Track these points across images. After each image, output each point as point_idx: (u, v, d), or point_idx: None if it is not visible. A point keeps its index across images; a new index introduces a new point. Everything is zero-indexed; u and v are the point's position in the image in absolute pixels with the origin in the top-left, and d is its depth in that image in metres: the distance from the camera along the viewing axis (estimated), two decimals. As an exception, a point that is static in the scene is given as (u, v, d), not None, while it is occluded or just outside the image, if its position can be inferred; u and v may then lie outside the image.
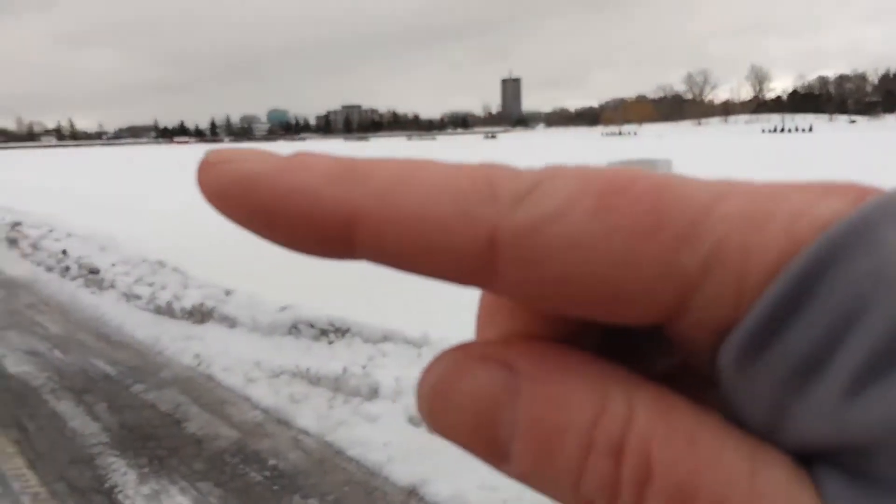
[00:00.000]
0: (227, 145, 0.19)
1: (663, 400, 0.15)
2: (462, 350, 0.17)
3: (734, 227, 0.14)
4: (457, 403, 0.16)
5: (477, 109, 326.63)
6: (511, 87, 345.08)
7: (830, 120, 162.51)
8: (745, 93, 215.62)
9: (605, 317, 0.15)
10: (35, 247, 12.97)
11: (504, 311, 0.19)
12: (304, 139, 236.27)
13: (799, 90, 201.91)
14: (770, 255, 0.14)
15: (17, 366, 7.18)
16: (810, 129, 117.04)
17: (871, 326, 0.13)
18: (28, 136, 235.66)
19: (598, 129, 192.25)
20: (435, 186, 0.15)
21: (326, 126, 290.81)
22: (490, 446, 0.16)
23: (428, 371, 0.17)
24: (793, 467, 0.14)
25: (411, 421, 5.39)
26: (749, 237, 0.14)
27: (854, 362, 0.13)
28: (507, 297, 0.16)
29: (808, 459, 0.14)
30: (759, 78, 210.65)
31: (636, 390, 0.15)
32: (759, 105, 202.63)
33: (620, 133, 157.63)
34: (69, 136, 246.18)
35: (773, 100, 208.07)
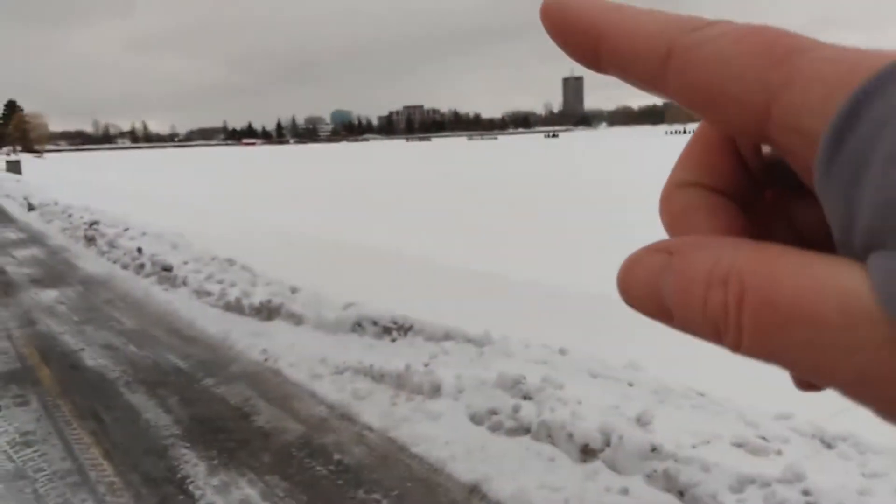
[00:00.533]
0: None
1: (759, 249, 0.21)
2: (642, 248, 0.24)
3: (818, 66, 0.20)
4: (636, 279, 0.23)
5: (538, 108, 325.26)
6: (573, 86, 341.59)
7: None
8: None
9: (724, 118, 0.22)
10: (111, 245, 13.46)
11: (680, 195, 0.27)
12: (367, 139, 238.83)
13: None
14: (841, 81, 0.19)
15: (94, 359, 7.47)
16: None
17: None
18: (104, 139, 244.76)
19: (663, 128, 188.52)
20: (650, 16, 0.23)
21: (389, 126, 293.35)
22: (658, 306, 0.23)
23: (623, 263, 0.24)
24: (855, 265, 0.19)
25: (473, 419, 5.40)
26: (827, 67, 0.20)
27: (884, 153, 0.18)
28: (670, 97, 0.23)
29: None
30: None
31: (742, 247, 0.21)
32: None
33: (685, 131, 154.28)
34: (142, 138, 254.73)
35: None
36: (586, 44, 0.24)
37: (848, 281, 0.19)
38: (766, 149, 0.26)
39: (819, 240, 0.25)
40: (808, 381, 0.22)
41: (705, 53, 0.22)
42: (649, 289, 0.23)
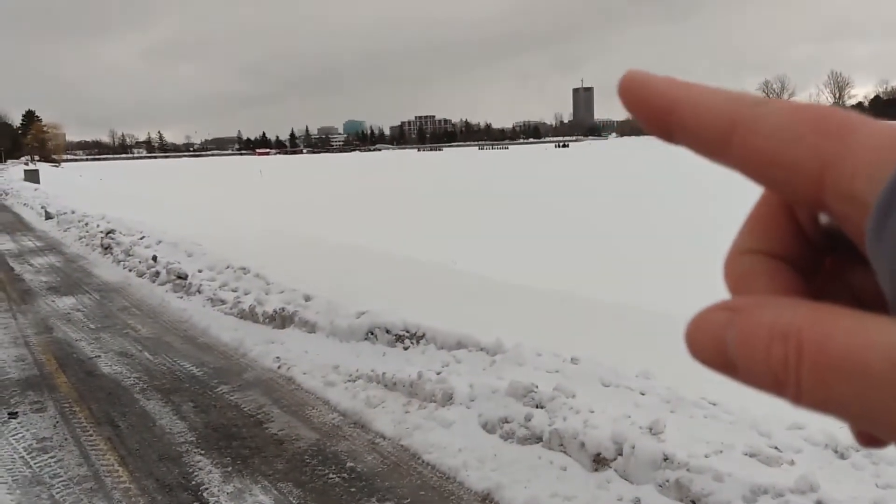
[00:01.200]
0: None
1: (816, 308, 0.23)
2: (708, 307, 0.26)
3: (869, 138, 0.23)
4: (703, 334, 0.25)
5: (549, 119, 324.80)
6: (583, 97, 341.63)
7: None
8: (825, 99, 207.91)
9: (783, 185, 0.25)
10: (127, 253, 13.58)
11: (742, 259, 0.29)
12: (379, 149, 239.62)
13: (882, 96, 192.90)
14: (892, 151, 0.22)
15: (109, 366, 7.55)
16: None
17: None
18: (120, 148, 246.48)
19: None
20: (715, 92, 0.26)
21: (401, 136, 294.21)
22: (723, 360, 0.24)
23: (690, 320, 0.26)
24: None
25: (485, 427, 5.42)
26: (878, 139, 0.22)
27: None
28: (733, 165, 0.26)
29: None
30: (839, 84, 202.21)
31: (800, 306, 0.23)
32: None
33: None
34: (158, 147, 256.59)
35: (854, 106, 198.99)
36: (659, 117, 0.27)
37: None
38: (823, 218, 0.28)
39: (876, 304, 0.26)
40: (869, 436, 0.24)
41: (765, 126, 0.24)
42: (715, 344, 0.24)
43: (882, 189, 0.21)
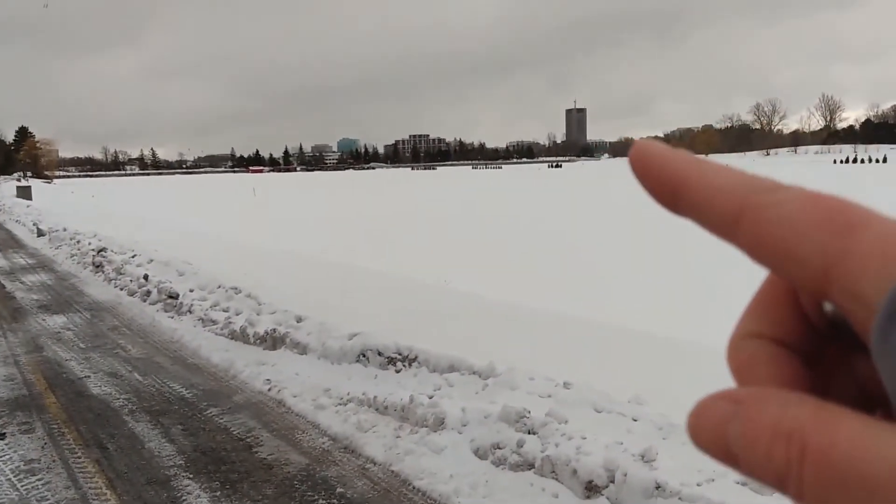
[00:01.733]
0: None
1: (821, 408, 0.23)
2: (712, 394, 0.26)
3: (877, 240, 0.23)
4: (705, 424, 0.25)
5: (542, 139, 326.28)
6: (576, 117, 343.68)
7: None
8: (816, 123, 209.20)
9: (789, 276, 0.25)
10: (119, 271, 13.52)
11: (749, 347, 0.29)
12: (373, 168, 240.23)
13: (872, 119, 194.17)
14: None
15: (99, 387, 7.49)
16: (884, 160, 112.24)
17: None
18: (113, 165, 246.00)
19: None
20: (727, 173, 0.27)
21: (395, 155, 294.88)
22: (725, 452, 0.24)
23: (693, 408, 0.26)
24: None
25: (477, 453, 5.39)
26: (886, 241, 0.22)
27: None
28: (739, 248, 0.26)
29: None
30: (830, 107, 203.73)
31: (805, 404, 0.23)
32: (830, 135, 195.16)
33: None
34: (151, 164, 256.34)
35: (844, 130, 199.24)
36: (667, 191, 0.28)
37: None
38: (828, 306, 0.28)
39: (880, 395, 0.26)
40: None
41: (774, 215, 0.24)
42: (717, 435, 0.24)
43: (886, 296, 0.21)
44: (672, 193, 0.27)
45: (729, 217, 0.26)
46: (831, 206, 0.24)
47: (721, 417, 0.25)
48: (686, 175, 0.27)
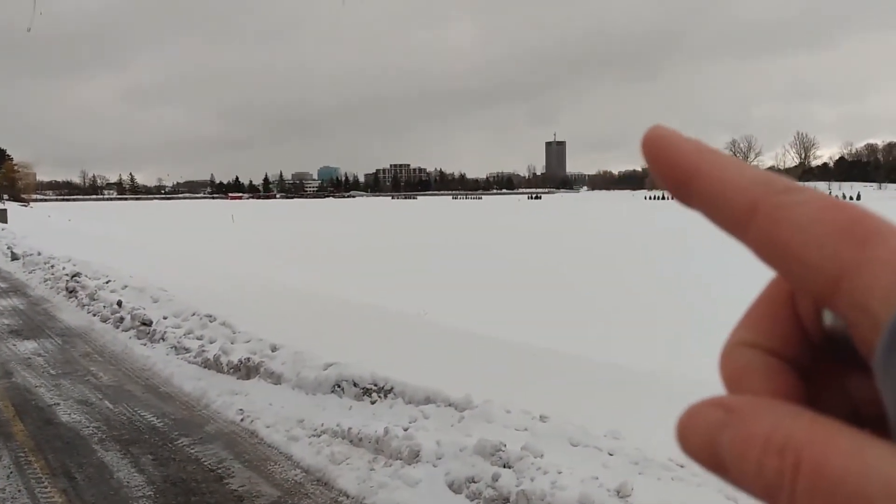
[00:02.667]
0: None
1: (816, 423, 0.22)
2: (703, 400, 0.25)
3: (893, 254, 0.22)
4: (694, 431, 0.25)
5: (522, 170, 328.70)
6: (556, 150, 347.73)
7: (880, 188, 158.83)
8: (791, 160, 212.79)
9: (797, 280, 0.24)
10: (92, 297, 13.34)
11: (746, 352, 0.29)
12: (353, 196, 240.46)
13: (846, 157, 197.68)
14: None
15: (68, 414, 7.35)
16: (858, 198, 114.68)
17: None
18: (91, 190, 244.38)
19: (642, 193, 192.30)
20: (742, 168, 0.26)
21: (375, 184, 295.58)
22: (714, 460, 0.24)
23: (683, 413, 0.26)
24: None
25: (451, 487, 5.34)
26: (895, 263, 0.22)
27: None
28: (748, 246, 0.25)
29: None
30: (805, 145, 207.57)
31: (800, 417, 0.23)
32: (805, 172, 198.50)
33: (664, 197, 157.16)
34: (129, 189, 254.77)
35: (819, 167, 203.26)
36: (680, 180, 0.27)
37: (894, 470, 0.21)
38: (827, 319, 0.27)
39: (873, 415, 0.26)
40: None
41: (789, 216, 0.24)
42: (707, 442, 0.24)
43: (894, 315, 0.21)
44: (683, 183, 0.27)
45: (741, 214, 0.25)
46: (850, 215, 0.23)
47: (712, 425, 0.24)
48: (700, 165, 0.27)
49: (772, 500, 0.22)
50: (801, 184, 0.25)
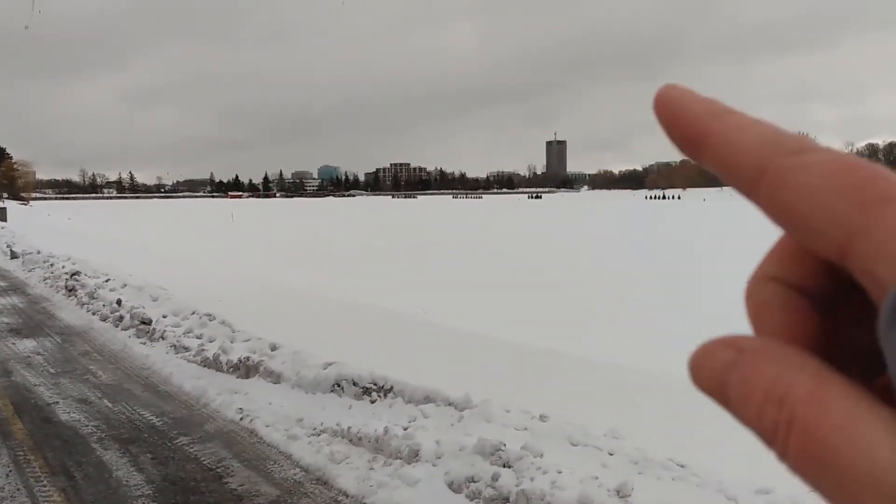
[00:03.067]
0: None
1: (818, 380, 0.23)
2: (717, 338, 0.26)
3: None
4: (705, 367, 0.25)
5: (522, 170, 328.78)
6: (556, 149, 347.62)
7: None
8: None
9: (805, 242, 0.24)
10: (92, 296, 13.33)
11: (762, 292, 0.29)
12: (353, 195, 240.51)
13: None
14: None
15: (67, 413, 7.34)
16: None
17: None
18: (91, 188, 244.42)
19: (642, 192, 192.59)
20: (754, 127, 0.26)
21: (375, 183, 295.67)
22: (720, 396, 0.25)
23: (696, 348, 0.26)
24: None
25: (451, 486, 5.33)
26: None
27: None
28: (758, 206, 0.25)
29: None
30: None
31: (804, 370, 0.23)
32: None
33: (664, 196, 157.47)
34: (129, 188, 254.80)
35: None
36: (691, 138, 0.27)
37: (886, 449, 0.21)
38: None
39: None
40: None
41: (798, 180, 0.24)
42: (715, 380, 0.25)
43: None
44: (695, 143, 0.27)
45: (751, 176, 0.25)
46: (860, 176, 0.23)
47: (722, 364, 0.25)
48: (710, 125, 0.26)
49: (769, 445, 0.23)
50: (813, 141, 0.25)
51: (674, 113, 0.27)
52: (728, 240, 29.78)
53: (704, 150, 0.26)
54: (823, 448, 0.21)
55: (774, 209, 0.24)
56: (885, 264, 0.21)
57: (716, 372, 0.25)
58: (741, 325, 0.29)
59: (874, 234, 0.22)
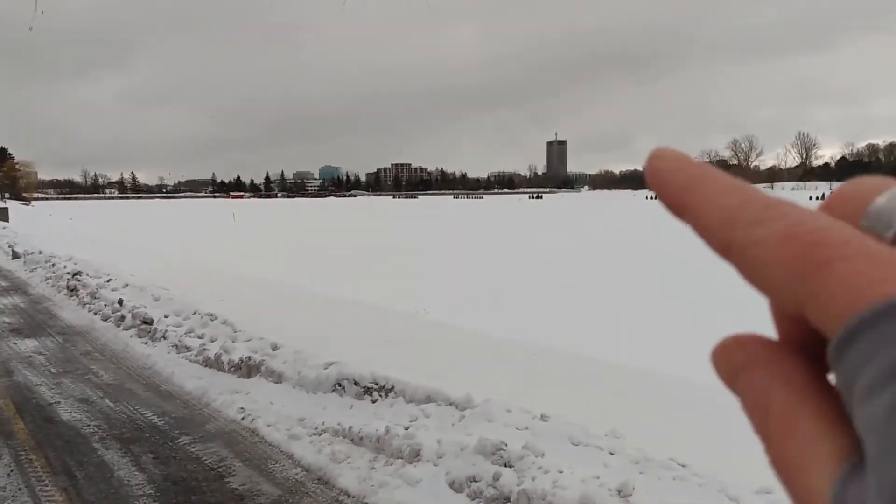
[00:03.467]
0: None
1: (797, 393, 0.25)
2: (732, 338, 0.28)
3: (845, 279, 0.23)
4: (721, 362, 0.28)
5: (523, 170, 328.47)
6: (557, 150, 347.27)
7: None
8: (792, 160, 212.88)
9: (776, 303, 0.26)
10: (93, 296, 13.34)
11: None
12: (354, 195, 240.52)
13: (847, 157, 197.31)
14: (853, 302, 0.23)
15: (69, 413, 7.34)
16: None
17: (878, 362, 0.22)
18: (93, 188, 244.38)
19: (643, 193, 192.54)
20: (724, 198, 0.27)
21: (377, 183, 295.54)
22: (732, 385, 0.27)
23: (719, 342, 0.28)
24: (840, 448, 0.24)
25: (452, 486, 5.33)
26: (850, 282, 0.23)
27: (865, 383, 0.22)
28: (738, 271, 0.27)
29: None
30: (806, 145, 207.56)
31: (788, 382, 0.26)
32: (806, 172, 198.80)
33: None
34: (131, 188, 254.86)
35: (820, 167, 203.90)
36: (673, 209, 0.29)
37: (820, 479, 0.23)
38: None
39: None
40: None
41: (752, 254, 0.26)
42: (728, 376, 0.28)
43: (832, 344, 0.24)
44: (677, 214, 0.29)
45: (719, 248, 0.27)
46: (804, 243, 0.25)
47: (733, 365, 0.27)
48: (685, 198, 0.28)
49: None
50: (774, 202, 0.27)
51: (658, 184, 0.29)
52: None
53: (685, 220, 0.29)
54: (786, 470, 0.24)
55: (744, 278, 0.27)
56: (833, 325, 0.24)
57: (729, 369, 0.27)
58: (733, 325, 0.29)
59: (818, 300, 0.24)
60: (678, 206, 0.29)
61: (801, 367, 0.27)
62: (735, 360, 0.27)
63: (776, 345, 0.28)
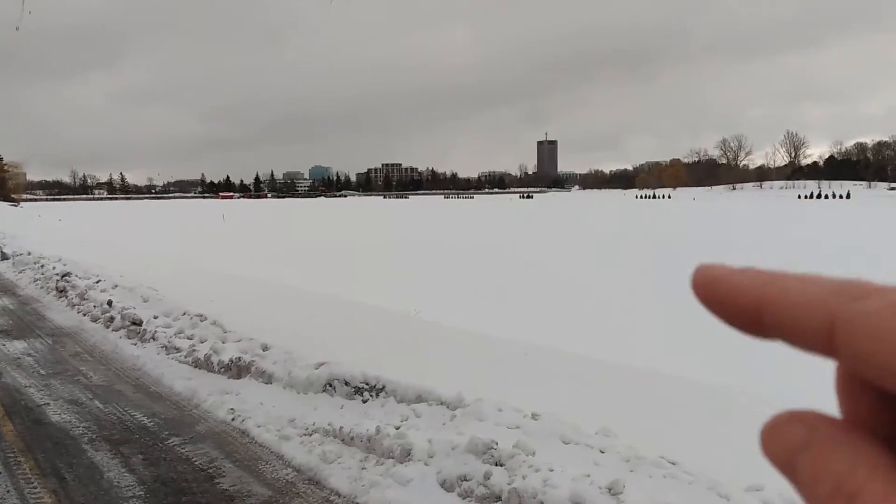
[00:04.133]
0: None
1: (891, 483, 0.23)
2: (790, 412, 0.26)
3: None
4: (775, 441, 0.26)
5: (513, 170, 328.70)
6: (547, 150, 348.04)
7: (869, 187, 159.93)
8: (781, 159, 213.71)
9: (883, 372, 0.24)
10: (83, 297, 13.27)
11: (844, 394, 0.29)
12: (344, 195, 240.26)
13: (836, 156, 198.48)
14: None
15: (58, 414, 7.30)
16: (847, 196, 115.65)
17: None
18: (82, 189, 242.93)
19: (633, 192, 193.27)
20: (809, 284, 0.26)
21: (367, 183, 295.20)
22: (789, 471, 0.25)
23: (769, 419, 0.26)
24: None
25: (443, 485, 5.33)
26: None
27: None
28: (840, 362, 0.25)
29: None
30: (795, 144, 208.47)
31: (876, 470, 0.23)
32: (795, 171, 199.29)
33: (654, 196, 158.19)
34: (120, 189, 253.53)
35: (809, 166, 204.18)
36: (746, 315, 0.26)
37: None
38: None
39: None
40: None
41: (867, 327, 0.23)
42: (785, 455, 0.25)
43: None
44: (753, 318, 0.26)
45: (821, 332, 0.25)
46: None
47: (793, 441, 0.25)
48: (764, 292, 0.26)
49: None
50: (872, 283, 0.25)
51: (721, 291, 0.27)
52: (728, 241, 29.78)
53: (765, 322, 0.26)
54: None
55: (857, 359, 0.24)
56: None
57: (787, 448, 0.25)
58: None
59: None
60: (754, 303, 0.26)
61: (882, 451, 0.24)
62: (795, 439, 0.25)
63: (847, 424, 0.26)
